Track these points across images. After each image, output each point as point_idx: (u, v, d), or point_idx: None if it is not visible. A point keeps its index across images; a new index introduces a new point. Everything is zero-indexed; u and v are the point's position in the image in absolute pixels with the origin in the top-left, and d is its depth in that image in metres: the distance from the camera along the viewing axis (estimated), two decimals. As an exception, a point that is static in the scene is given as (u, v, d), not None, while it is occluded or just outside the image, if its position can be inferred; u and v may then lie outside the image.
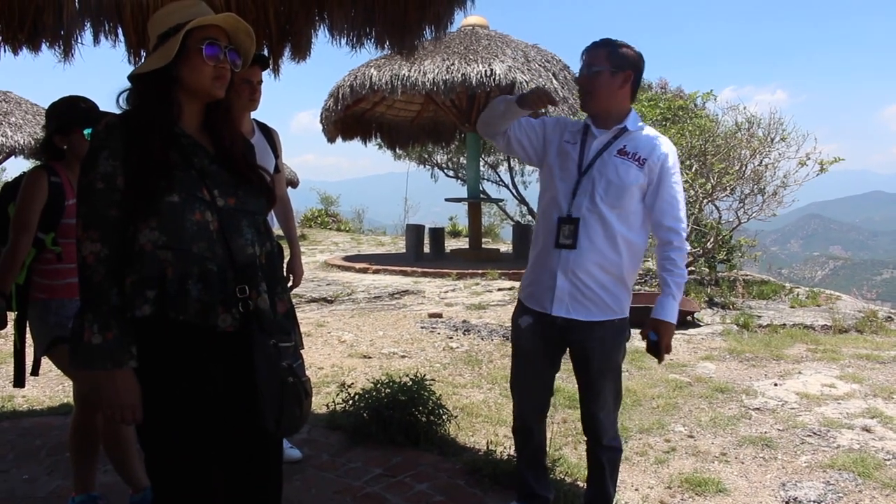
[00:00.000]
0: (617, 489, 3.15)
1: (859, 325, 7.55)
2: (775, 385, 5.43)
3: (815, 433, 4.38)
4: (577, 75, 2.86)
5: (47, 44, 3.95)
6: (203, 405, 1.88)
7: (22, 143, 15.02)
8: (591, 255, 2.71)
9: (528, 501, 3.10)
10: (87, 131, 2.82)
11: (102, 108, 2.87)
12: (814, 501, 3.46)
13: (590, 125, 2.81)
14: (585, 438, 3.00)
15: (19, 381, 2.98)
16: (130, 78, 1.94)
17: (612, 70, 2.70)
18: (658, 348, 2.74)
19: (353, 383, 4.63)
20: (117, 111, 1.95)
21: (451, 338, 6.89)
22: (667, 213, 2.74)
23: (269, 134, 3.68)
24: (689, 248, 3.08)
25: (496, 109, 2.81)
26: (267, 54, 4.14)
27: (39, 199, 2.78)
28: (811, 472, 3.83)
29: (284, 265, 3.27)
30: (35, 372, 2.99)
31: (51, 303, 2.86)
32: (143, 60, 3.99)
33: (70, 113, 2.87)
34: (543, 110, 11.68)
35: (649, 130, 2.84)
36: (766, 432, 4.41)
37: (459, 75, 11.57)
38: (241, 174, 2.00)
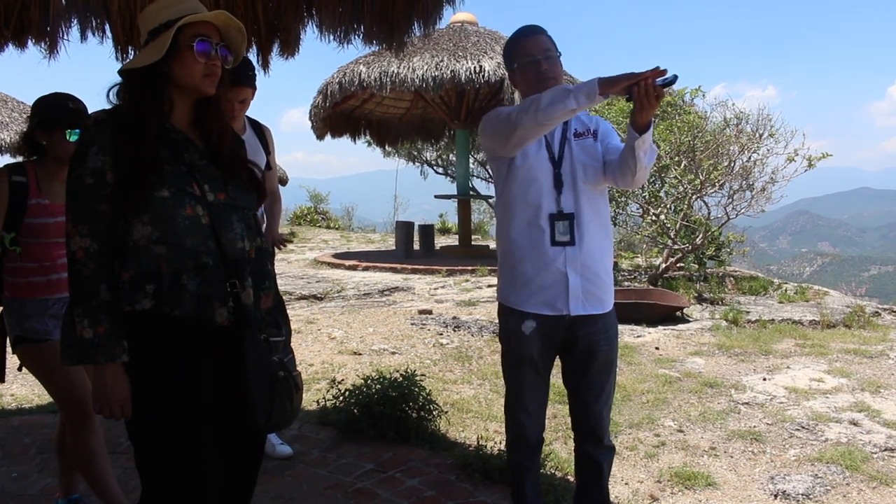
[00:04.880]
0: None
1: (847, 320, 7.59)
2: (764, 380, 5.46)
3: (803, 427, 4.41)
4: (527, 64, 2.63)
5: (33, 40, 3.91)
6: (195, 399, 1.88)
7: (8, 141, 14.78)
8: (590, 245, 2.62)
9: None
10: (73, 137, 2.77)
11: (90, 105, 2.84)
12: (802, 494, 3.49)
13: None
14: (575, 440, 2.82)
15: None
16: (121, 73, 1.94)
17: (559, 54, 2.67)
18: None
19: (343, 380, 4.63)
20: (107, 107, 1.95)
21: (441, 334, 6.89)
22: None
23: (260, 131, 3.67)
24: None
25: (563, 107, 2.32)
26: (256, 52, 4.13)
27: (1, 199, 2.75)
28: (799, 465, 3.86)
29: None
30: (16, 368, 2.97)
31: (13, 301, 2.82)
32: (130, 57, 3.99)
33: (55, 109, 2.82)
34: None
35: None
36: (754, 426, 4.44)
37: (448, 72, 11.55)
38: (230, 170, 2.00)
